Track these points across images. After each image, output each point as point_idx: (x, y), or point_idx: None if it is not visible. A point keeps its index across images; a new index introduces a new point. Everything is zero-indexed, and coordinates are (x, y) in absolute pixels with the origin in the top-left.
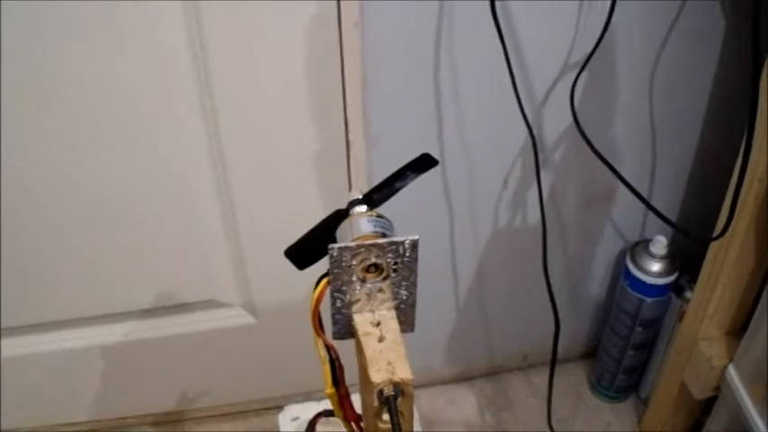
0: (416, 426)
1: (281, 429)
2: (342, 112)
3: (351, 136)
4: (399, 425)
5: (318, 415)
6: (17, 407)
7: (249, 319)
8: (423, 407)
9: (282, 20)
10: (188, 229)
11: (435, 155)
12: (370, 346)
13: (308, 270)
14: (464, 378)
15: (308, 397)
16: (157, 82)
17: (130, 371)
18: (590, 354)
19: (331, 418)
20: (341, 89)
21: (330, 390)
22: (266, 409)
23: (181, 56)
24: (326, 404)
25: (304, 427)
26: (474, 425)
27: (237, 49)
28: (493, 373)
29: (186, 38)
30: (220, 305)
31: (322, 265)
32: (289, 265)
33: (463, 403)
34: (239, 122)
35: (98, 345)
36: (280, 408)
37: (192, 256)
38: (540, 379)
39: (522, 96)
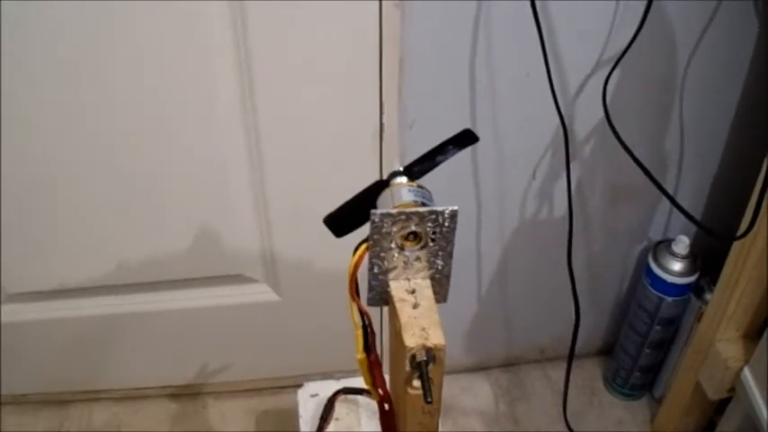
0: None
1: (300, 405)
2: (377, 95)
3: (384, 119)
4: (430, 390)
5: (338, 392)
6: (37, 372)
7: (273, 296)
8: None
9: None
10: (218, 204)
11: None
12: (405, 312)
13: (333, 251)
14: (481, 367)
15: (325, 377)
16: (196, 60)
17: (151, 341)
18: (606, 350)
19: (349, 396)
20: (378, 72)
21: (361, 355)
22: (283, 387)
23: (220, 32)
24: (346, 382)
25: (323, 403)
26: (488, 413)
27: (276, 29)
28: (510, 364)
29: (229, 17)
30: (246, 280)
31: (351, 242)
32: (315, 245)
33: (479, 392)
34: (274, 100)
35: (121, 313)
36: (297, 386)
37: (221, 231)
38: (556, 373)
39: (555, 89)
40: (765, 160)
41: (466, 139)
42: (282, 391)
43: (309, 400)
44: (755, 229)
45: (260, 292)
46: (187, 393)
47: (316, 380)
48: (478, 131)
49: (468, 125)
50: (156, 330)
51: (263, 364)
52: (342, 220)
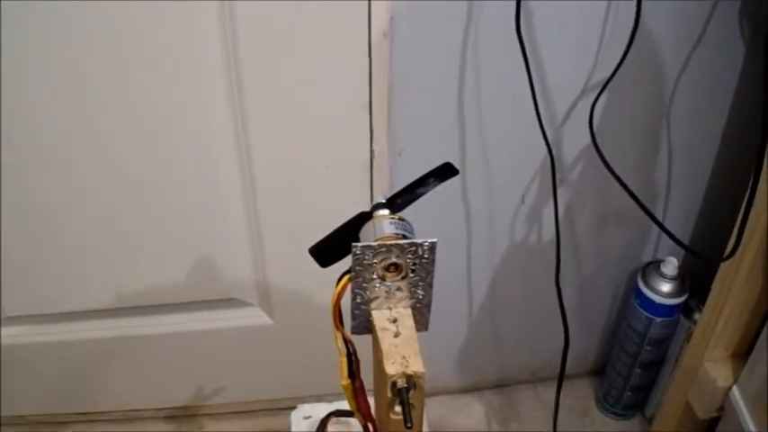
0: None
1: (293, 427)
2: (368, 124)
3: (375, 146)
4: (410, 415)
5: (330, 414)
6: (34, 393)
7: (266, 320)
8: (431, 415)
9: (314, 28)
10: (213, 229)
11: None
12: (387, 341)
13: (325, 276)
14: (473, 389)
15: (318, 399)
16: (190, 90)
17: (147, 364)
18: (598, 371)
19: (341, 419)
20: (368, 100)
21: (345, 381)
22: (277, 409)
23: (213, 55)
24: (338, 405)
25: (315, 425)
26: None
27: (268, 60)
28: (502, 385)
29: (220, 41)
30: (240, 304)
31: (342, 268)
32: (308, 270)
33: (471, 413)
34: (266, 129)
35: (118, 336)
36: (290, 408)
37: (216, 257)
38: (548, 393)
39: (542, 115)
40: (750, 182)
41: (446, 172)
42: (277, 413)
43: (302, 421)
44: (741, 249)
45: (253, 316)
46: (183, 415)
47: (309, 402)
48: (467, 157)
49: (456, 151)
50: (153, 353)
51: (258, 387)
52: (326, 251)
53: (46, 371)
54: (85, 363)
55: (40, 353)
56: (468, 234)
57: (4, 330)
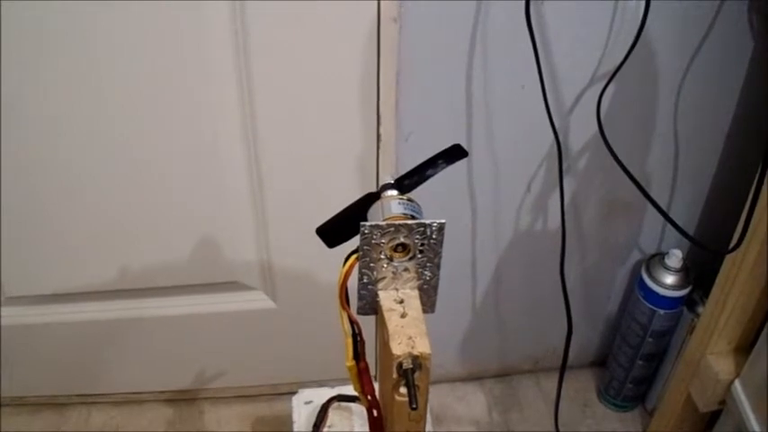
0: (427, 422)
1: (295, 412)
2: (375, 107)
3: (381, 131)
4: (415, 396)
5: (332, 399)
6: (35, 375)
7: (269, 304)
8: (433, 403)
9: (322, 13)
10: (217, 212)
11: None
12: (393, 321)
13: (329, 261)
14: (475, 377)
15: (320, 384)
16: (198, 76)
17: (149, 346)
18: (600, 362)
19: (343, 404)
20: (375, 84)
21: (351, 362)
22: (278, 394)
23: (222, 43)
24: (340, 390)
25: (317, 410)
26: (482, 423)
27: (277, 44)
28: (504, 374)
29: (230, 32)
30: (242, 288)
31: (347, 251)
32: (312, 254)
33: (473, 402)
34: (273, 112)
35: (119, 318)
36: (292, 393)
37: (219, 239)
38: (550, 383)
39: (550, 103)
40: (757, 174)
41: (455, 153)
42: (278, 398)
43: (303, 406)
44: (746, 242)
45: (256, 300)
46: (184, 399)
47: (311, 387)
48: (474, 144)
49: (463, 138)
50: (154, 336)
51: (259, 371)
52: (334, 232)
53: (46, 352)
54: (86, 344)
55: (41, 334)
56: (474, 222)
57: (5, 311)
